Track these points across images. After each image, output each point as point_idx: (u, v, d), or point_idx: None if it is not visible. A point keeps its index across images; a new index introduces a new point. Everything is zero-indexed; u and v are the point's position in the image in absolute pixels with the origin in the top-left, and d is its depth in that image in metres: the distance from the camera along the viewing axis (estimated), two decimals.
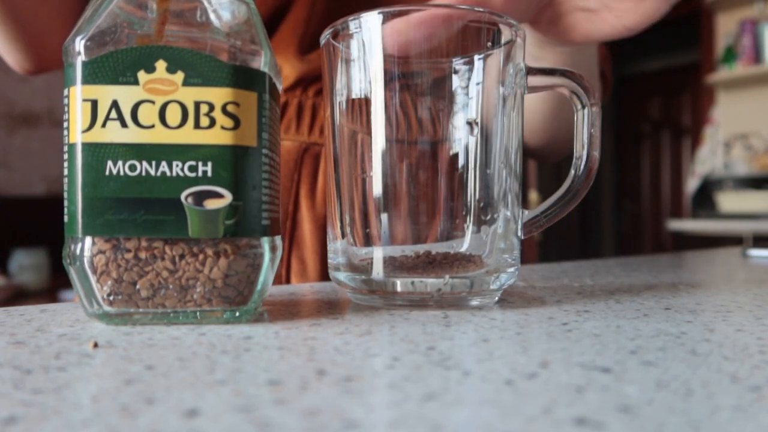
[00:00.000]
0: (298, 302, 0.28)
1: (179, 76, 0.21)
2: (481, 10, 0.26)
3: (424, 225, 0.26)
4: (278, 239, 0.25)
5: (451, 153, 0.26)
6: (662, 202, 3.78)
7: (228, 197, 0.22)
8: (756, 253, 0.58)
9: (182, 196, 0.21)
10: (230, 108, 0.22)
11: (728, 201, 2.53)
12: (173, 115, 0.21)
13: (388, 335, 0.20)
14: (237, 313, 0.23)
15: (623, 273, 0.42)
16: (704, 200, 2.66)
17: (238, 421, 0.12)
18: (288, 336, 0.20)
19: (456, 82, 0.25)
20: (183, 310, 0.22)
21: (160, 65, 0.21)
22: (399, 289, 0.25)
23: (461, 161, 0.26)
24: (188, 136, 0.21)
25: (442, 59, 0.25)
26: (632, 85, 3.98)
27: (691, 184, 2.74)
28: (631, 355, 0.18)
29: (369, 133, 0.26)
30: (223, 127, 0.21)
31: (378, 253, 0.26)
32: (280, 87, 0.25)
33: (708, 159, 2.73)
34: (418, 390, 0.14)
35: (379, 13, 0.25)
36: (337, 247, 0.28)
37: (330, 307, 0.26)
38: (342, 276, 0.27)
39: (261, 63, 0.23)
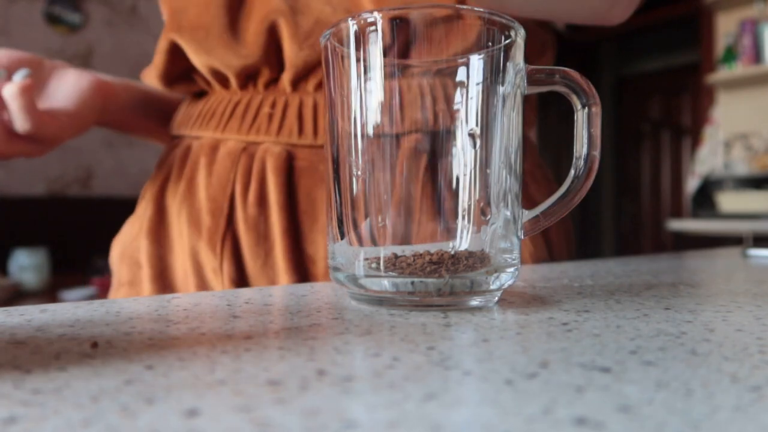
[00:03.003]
0: (297, 302, 0.28)
1: None
2: (480, 9, 0.26)
3: (424, 225, 0.26)
4: None
5: (450, 153, 0.26)
6: (662, 202, 3.78)
7: None
8: (756, 253, 0.58)
9: None
10: None
11: (728, 201, 2.53)
12: None
13: (388, 335, 0.20)
14: None
15: (623, 273, 0.42)
16: (704, 200, 2.66)
17: (238, 421, 0.12)
18: (288, 336, 0.20)
19: (456, 81, 0.25)
20: None
21: None
22: (399, 289, 0.25)
23: (461, 161, 0.26)
24: None
25: (441, 59, 0.25)
26: (632, 85, 3.98)
27: (691, 184, 2.74)
28: (631, 355, 0.18)
29: (368, 133, 0.26)
30: None
31: (378, 254, 0.26)
32: None
33: (708, 159, 2.74)
34: (418, 390, 0.14)
35: (378, 12, 0.25)
36: (337, 248, 0.28)
37: (330, 307, 0.26)
38: (342, 276, 0.27)
39: None
